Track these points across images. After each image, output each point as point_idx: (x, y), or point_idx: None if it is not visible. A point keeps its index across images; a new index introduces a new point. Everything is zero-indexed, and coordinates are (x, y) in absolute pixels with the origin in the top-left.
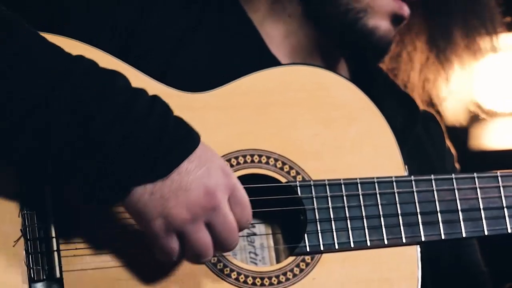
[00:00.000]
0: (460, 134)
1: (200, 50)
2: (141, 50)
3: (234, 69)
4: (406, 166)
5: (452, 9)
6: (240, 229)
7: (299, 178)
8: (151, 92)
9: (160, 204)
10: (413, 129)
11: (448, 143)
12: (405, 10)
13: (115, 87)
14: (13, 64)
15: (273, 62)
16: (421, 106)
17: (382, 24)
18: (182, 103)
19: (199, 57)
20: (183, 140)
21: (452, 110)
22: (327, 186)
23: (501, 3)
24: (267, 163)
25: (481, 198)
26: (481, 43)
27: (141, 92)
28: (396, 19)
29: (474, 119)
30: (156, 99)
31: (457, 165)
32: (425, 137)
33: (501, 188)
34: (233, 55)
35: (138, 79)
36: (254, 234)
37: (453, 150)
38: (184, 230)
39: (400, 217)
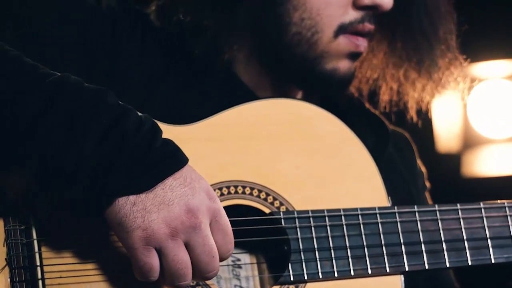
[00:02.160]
0: (453, 160)
1: (172, 87)
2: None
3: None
4: (390, 197)
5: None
6: (221, 258)
7: (282, 208)
8: None
9: (141, 216)
10: (384, 150)
11: (419, 162)
12: (362, 46)
13: (105, 104)
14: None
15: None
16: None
17: (340, 65)
18: (165, 135)
19: (173, 94)
20: (170, 156)
21: (445, 137)
22: (311, 218)
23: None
24: (250, 194)
25: (465, 228)
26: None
27: (131, 110)
28: (353, 55)
29: (467, 145)
30: (145, 118)
31: (427, 183)
32: (397, 157)
33: (484, 219)
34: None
35: None
36: (239, 266)
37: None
38: (162, 245)
39: (383, 247)
